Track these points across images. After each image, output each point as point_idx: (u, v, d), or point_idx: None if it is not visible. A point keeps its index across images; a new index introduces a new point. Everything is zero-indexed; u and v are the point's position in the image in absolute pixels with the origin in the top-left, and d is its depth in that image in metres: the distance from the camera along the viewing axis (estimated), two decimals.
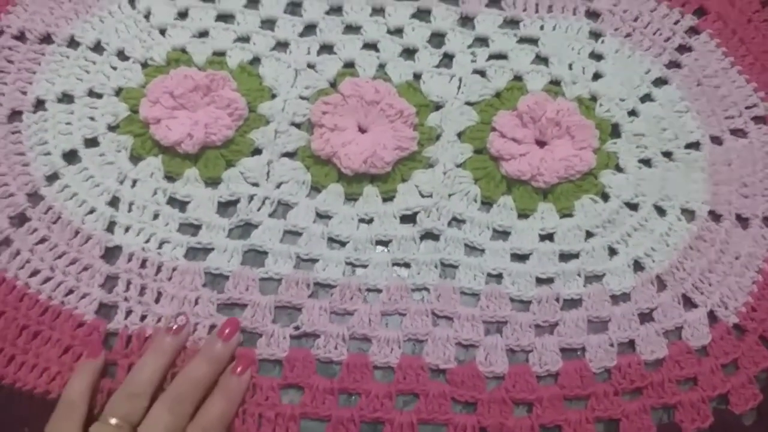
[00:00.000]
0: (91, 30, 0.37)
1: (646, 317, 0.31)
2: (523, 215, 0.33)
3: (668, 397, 0.30)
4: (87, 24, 0.37)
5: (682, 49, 0.38)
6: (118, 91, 0.36)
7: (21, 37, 0.37)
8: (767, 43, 0.37)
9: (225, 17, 0.38)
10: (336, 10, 0.39)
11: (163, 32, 0.38)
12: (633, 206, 0.34)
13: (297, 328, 0.31)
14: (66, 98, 0.36)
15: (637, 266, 0.32)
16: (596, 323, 0.31)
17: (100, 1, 0.38)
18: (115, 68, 0.36)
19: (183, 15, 0.38)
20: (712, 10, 0.38)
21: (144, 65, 0.37)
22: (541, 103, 0.34)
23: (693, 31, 0.38)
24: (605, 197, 0.34)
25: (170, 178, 0.34)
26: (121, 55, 0.37)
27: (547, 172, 0.33)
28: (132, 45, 0.37)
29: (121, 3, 0.38)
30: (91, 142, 0.35)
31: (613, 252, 0.33)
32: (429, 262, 0.32)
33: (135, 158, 0.35)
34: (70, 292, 0.31)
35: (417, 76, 0.37)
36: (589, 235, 0.33)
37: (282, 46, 0.38)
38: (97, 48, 0.37)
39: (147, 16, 0.38)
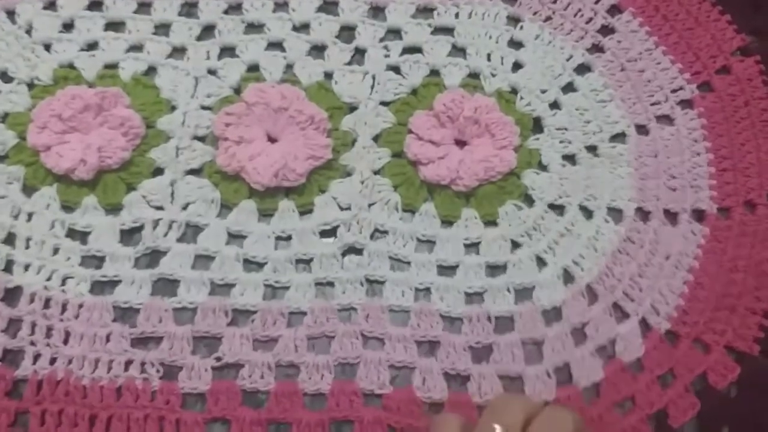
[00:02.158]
0: None
1: (579, 335, 0.32)
2: (446, 222, 0.34)
3: (607, 428, 0.30)
4: None
5: (605, 30, 0.38)
6: (5, 117, 0.35)
7: None
8: (691, 20, 0.38)
9: (115, 25, 0.38)
10: (235, 8, 0.38)
11: (48, 48, 0.37)
12: (558, 208, 0.34)
13: (218, 359, 0.31)
14: None
15: (567, 277, 0.33)
16: (530, 345, 0.32)
17: None
18: None
19: (68, 27, 0.37)
20: None
21: (30, 86, 0.36)
22: (458, 101, 0.35)
23: (615, 9, 0.39)
24: (529, 200, 0.34)
25: (68, 208, 0.34)
26: (5, 77, 0.36)
27: (467, 175, 0.34)
28: (15, 64, 0.36)
29: (0, 18, 0.37)
30: None
31: (541, 262, 0.33)
32: (354, 280, 0.32)
33: (29, 189, 0.34)
34: None
35: (328, 76, 0.37)
36: (515, 245, 0.33)
37: (179, 52, 0.37)
38: None
39: (29, 31, 0.37)
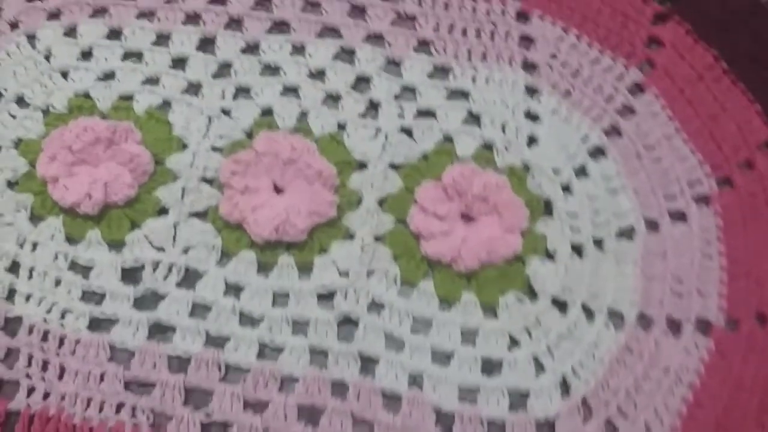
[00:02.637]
0: None
1: None
2: (445, 303, 0.34)
3: None
4: None
5: (624, 110, 0.37)
6: (18, 143, 0.36)
7: None
8: (717, 106, 0.37)
9: (132, 56, 0.38)
10: (253, 48, 0.38)
11: (65, 75, 0.37)
12: (561, 305, 0.33)
13: (208, 415, 0.32)
14: None
15: (564, 386, 0.32)
16: None
17: None
18: (14, 117, 0.36)
19: (87, 55, 0.38)
20: (660, 64, 0.38)
21: (45, 112, 0.36)
22: (468, 176, 0.35)
23: (638, 88, 0.38)
24: (531, 291, 0.34)
25: (72, 240, 0.35)
26: (21, 102, 0.37)
27: (468, 255, 0.33)
28: (32, 90, 0.37)
29: (20, 42, 0.38)
30: None
31: (539, 366, 0.32)
32: (347, 353, 0.32)
33: (36, 218, 0.35)
34: None
35: (341, 126, 0.37)
36: (513, 341, 0.33)
37: (194, 87, 0.37)
38: None
39: (48, 57, 0.37)
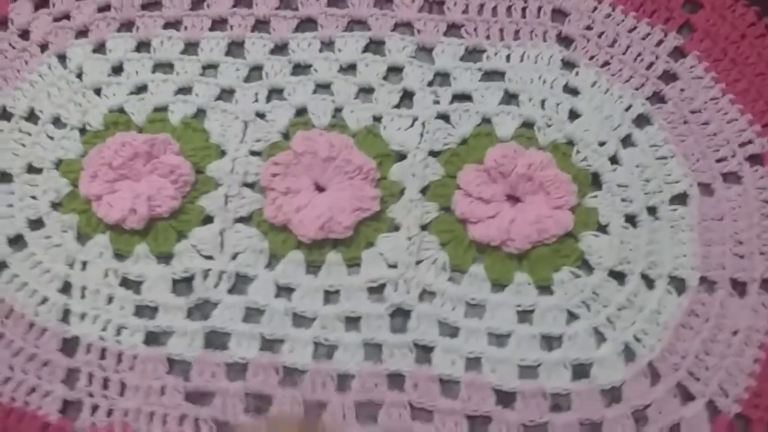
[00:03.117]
0: (22, 97, 0.37)
1: (640, 418, 0.30)
2: (497, 286, 0.33)
3: None
4: (17, 91, 0.37)
5: (667, 77, 0.36)
6: (58, 164, 0.36)
7: None
8: (762, 64, 0.35)
9: (163, 67, 0.37)
10: (281, 48, 0.38)
11: (98, 92, 0.37)
12: (618, 276, 0.33)
13: None
14: (4, 177, 0.36)
15: (628, 354, 0.32)
16: (587, 426, 0.30)
17: (29, 64, 0.37)
18: (52, 138, 0.36)
19: (117, 70, 0.37)
20: (700, 26, 0.36)
21: (82, 131, 0.36)
22: (511, 156, 0.34)
23: (678, 53, 0.36)
24: (586, 265, 0.33)
25: (120, 256, 0.34)
26: (57, 123, 0.37)
27: (518, 237, 0.33)
28: (67, 110, 0.36)
29: (51, 63, 0.38)
30: (36, 224, 0.35)
31: (600, 336, 0.32)
32: (401, 345, 0.32)
33: (83, 237, 0.35)
34: (32, 390, 0.32)
35: (377, 119, 0.36)
36: (571, 316, 0.32)
37: (227, 93, 0.37)
38: (31, 117, 0.37)
39: (80, 76, 0.37)
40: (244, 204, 0.35)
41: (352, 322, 0.33)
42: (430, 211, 0.34)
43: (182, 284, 0.34)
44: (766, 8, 0.36)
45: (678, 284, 0.33)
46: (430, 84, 0.36)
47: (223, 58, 0.37)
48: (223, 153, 0.36)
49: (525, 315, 0.33)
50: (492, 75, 0.37)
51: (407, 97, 0.36)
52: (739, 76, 0.35)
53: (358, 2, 0.38)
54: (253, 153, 0.35)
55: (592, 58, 0.36)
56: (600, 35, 0.37)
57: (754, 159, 0.34)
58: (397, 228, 0.34)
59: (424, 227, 0.34)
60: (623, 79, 0.36)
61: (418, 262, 0.33)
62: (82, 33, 0.38)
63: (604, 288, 0.33)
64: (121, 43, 0.37)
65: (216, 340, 0.33)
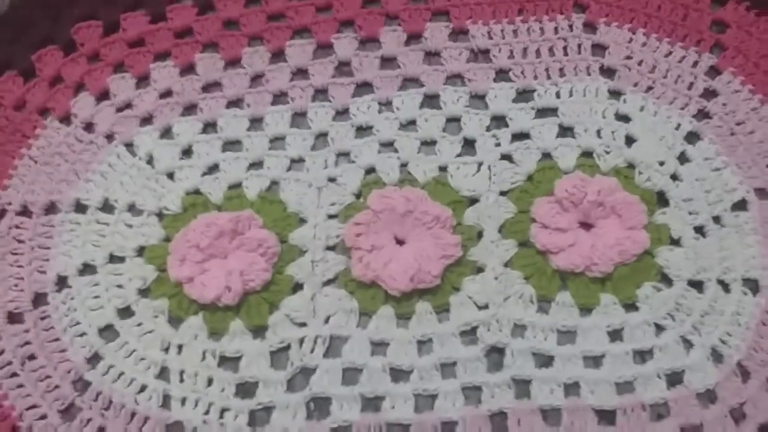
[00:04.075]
0: (95, 189, 0.37)
1: (738, 415, 0.31)
2: (585, 310, 0.33)
3: None
4: (90, 183, 0.37)
5: (708, 94, 0.37)
6: (140, 251, 0.35)
7: (25, 212, 0.36)
8: None
9: (231, 144, 0.38)
10: (342, 114, 0.38)
11: (171, 176, 0.37)
12: (697, 285, 0.33)
13: None
14: (88, 269, 0.35)
15: (716, 356, 0.32)
16: (689, 431, 0.31)
17: (98, 155, 0.37)
18: (130, 226, 0.36)
19: (187, 152, 0.38)
20: (730, 44, 0.38)
21: (160, 216, 0.36)
22: (579, 185, 0.34)
23: (714, 71, 0.38)
24: (666, 278, 0.33)
25: (215, 334, 0.34)
26: (134, 210, 0.36)
27: (601, 260, 0.33)
28: (142, 197, 0.36)
29: (120, 152, 0.38)
30: (125, 312, 0.34)
31: (688, 344, 0.32)
32: (500, 383, 0.32)
33: (174, 320, 0.34)
34: None
35: (443, 169, 0.36)
36: (659, 328, 0.33)
37: (297, 163, 0.37)
38: (107, 207, 0.36)
39: (150, 162, 0.37)
40: (330, 267, 0.35)
41: (448, 367, 0.33)
42: (510, 248, 0.35)
43: (278, 355, 0.33)
44: None
45: (752, 285, 0.33)
46: (489, 128, 0.37)
47: (288, 130, 0.38)
48: (302, 221, 0.36)
49: (615, 334, 0.33)
50: (545, 112, 0.38)
51: (468, 144, 0.37)
52: None
53: (408, 61, 0.39)
54: (331, 216, 0.36)
55: (636, 84, 0.38)
56: (640, 63, 0.38)
57: None
58: (480, 270, 0.34)
59: (506, 264, 0.34)
60: (668, 101, 0.37)
61: (506, 299, 0.33)
62: (146, 120, 0.38)
63: (685, 298, 0.33)
64: (188, 127, 0.38)
65: (318, 407, 0.32)
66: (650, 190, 0.35)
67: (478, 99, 0.38)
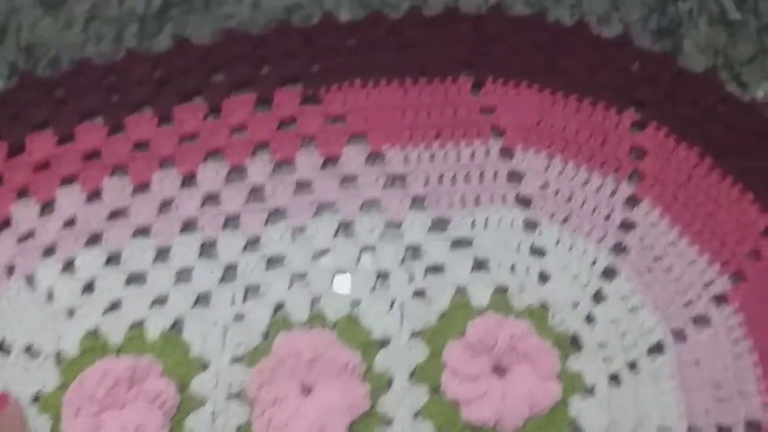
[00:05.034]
0: None
1: None
2: None
3: None
4: None
5: (625, 226, 0.35)
6: (36, 398, 0.33)
7: None
8: (712, 203, 0.35)
9: (135, 279, 0.35)
10: (253, 243, 0.36)
11: (71, 314, 0.34)
12: None
13: None
14: None
15: None
16: None
17: None
18: (27, 369, 0.33)
19: (89, 288, 0.35)
20: (648, 172, 0.36)
21: (58, 359, 0.33)
22: (492, 329, 0.32)
23: (632, 200, 0.36)
24: (578, 430, 0.31)
25: None
26: (31, 351, 0.33)
27: (511, 415, 0.31)
28: (40, 337, 0.34)
29: (20, 286, 0.35)
30: None
31: None
32: None
33: None
34: None
35: (356, 304, 0.34)
36: None
37: (204, 299, 0.35)
38: (3, 348, 0.34)
39: (50, 298, 0.35)
40: (230, 420, 0.32)
41: None
42: (421, 395, 0.32)
43: None
44: (707, 146, 0.36)
45: None
46: (403, 261, 0.35)
47: (196, 262, 0.35)
48: (205, 366, 0.33)
49: None
50: (460, 243, 0.36)
51: (383, 277, 0.35)
52: (692, 218, 0.35)
53: (323, 186, 0.37)
54: (236, 360, 0.33)
55: (552, 215, 0.36)
56: (556, 192, 0.36)
57: (719, 299, 0.34)
58: (389, 422, 0.32)
59: (417, 414, 0.32)
60: (584, 233, 0.35)
61: None
62: (49, 251, 0.35)
63: None
64: (91, 259, 0.35)
65: None
66: (563, 334, 0.33)
67: (394, 227, 0.36)
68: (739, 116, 0.37)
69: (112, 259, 0.36)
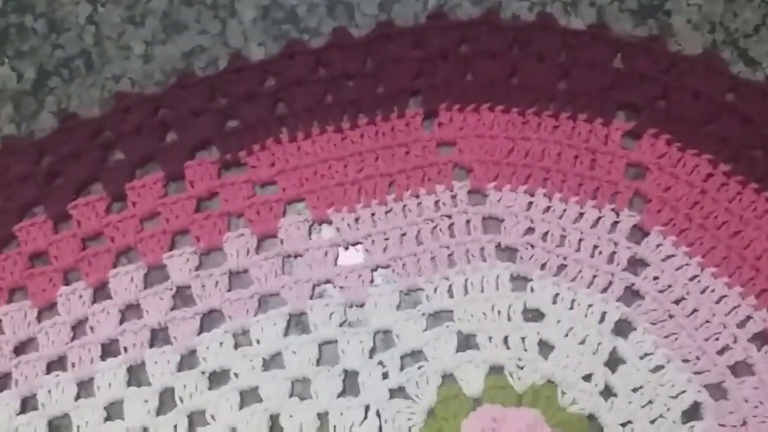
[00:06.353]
0: None
1: None
2: None
3: None
4: None
5: (634, 266, 0.28)
6: None
7: None
8: (734, 220, 0.28)
9: (60, 420, 0.28)
10: (189, 357, 0.28)
11: None
12: None
13: None
14: None
15: None
16: None
17: None
18: None
19: None
20: (652, 193, 0.29)
21: None
22: (490, 427, 0.26)
23: (638, 232, 0.29)
24: None
25: None
26: None
27: None
28: None
29: None
30: None
31: None
32: None
33: None
34: None
35: (322, 416, 0.27)
36: None
37: None
38: None
39: None
40: None
41: None
42: None
43: None
44: (719, 149, 0.28)
45: None
46: (372, 352, 0.28)
47: (125, 392, 0.28)
48: None
49: None
50: (438, 318, 0.28)
51: (351, 378, 0.28)
52: (713, 243, 0.28)
53: (263, 274, 0.29)
54: None
55: (543, 266, 0.28)
56: (544, 236, 0.29)
57: (759, 337, 0.27)
58: None
59: None
60: (585, 282, 0.28)
61: None
62: None
63: None
64: (2, 407, 0.28)
65: None
66: (579, 416, 0.26)
67: (357, 308, 0.29)
68: (753, 103, 0.29)
69: (28, 402, 0.28)
